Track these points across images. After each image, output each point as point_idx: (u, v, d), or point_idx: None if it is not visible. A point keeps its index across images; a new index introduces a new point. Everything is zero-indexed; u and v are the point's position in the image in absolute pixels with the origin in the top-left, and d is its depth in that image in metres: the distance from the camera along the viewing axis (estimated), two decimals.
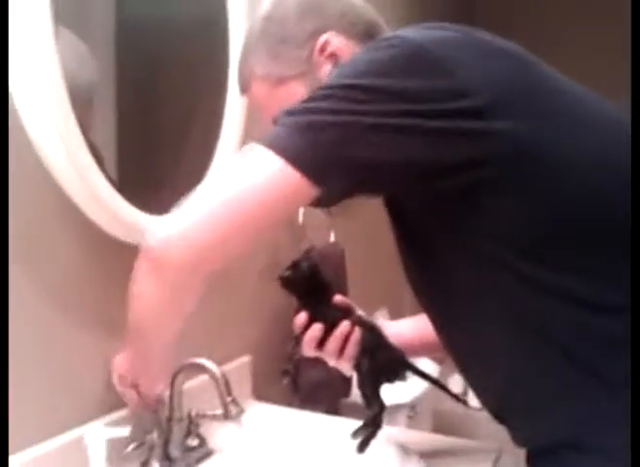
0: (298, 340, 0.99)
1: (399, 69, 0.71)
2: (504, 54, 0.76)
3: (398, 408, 1.66)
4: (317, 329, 0.97)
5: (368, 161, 0.70)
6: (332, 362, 1.00)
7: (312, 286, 0.99)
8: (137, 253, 1.08)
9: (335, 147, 0.69)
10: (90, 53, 1.03)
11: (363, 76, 0.72)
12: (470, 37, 0.77)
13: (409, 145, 0.69)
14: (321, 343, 0.97)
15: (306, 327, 0.97)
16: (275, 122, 0.75)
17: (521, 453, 0.90)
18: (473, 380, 0.89)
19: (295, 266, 0.99)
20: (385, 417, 1.10)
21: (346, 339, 0.97)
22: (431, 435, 1.27)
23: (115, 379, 0.97)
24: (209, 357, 1.05)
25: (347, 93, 0.70)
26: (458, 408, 2.21)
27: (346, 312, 1.00)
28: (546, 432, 0.79)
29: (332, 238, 1.64)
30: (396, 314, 2.02)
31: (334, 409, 1.46)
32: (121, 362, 0.95)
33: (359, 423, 1.02)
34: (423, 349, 1.07)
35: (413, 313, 1.05)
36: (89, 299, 1.04)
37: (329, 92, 0.71)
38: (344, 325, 0.97)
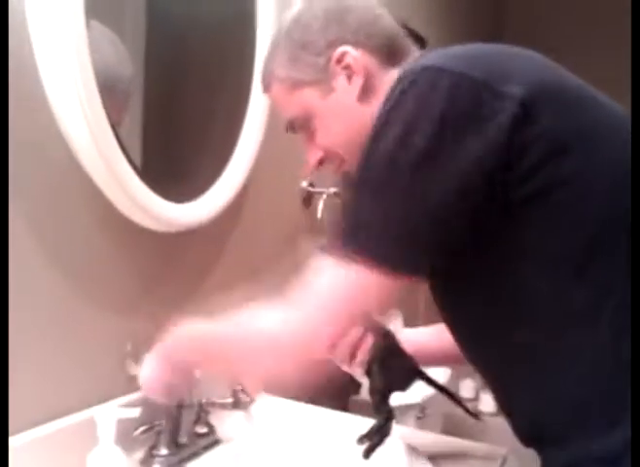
0: None
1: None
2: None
3: (408, 408, 1.66)
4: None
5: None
6: (344, 367, 1.00)
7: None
8: (156, 238, 1.10)
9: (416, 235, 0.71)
10: (120, 44, 1.04)
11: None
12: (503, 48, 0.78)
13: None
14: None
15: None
16: (291, 129, 0.89)
17: (527, 458, 0.89)
18: (507, 402, 0.86)
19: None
20: (395, 417, 1.10)
21: (358, 344, 0.97)
22: (439, 436, 1.26)
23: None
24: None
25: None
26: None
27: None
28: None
29: None
30: (411, 318, 2.02)
31: (342, 405, 1.46)
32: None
33: (366, 420, 1.02)
34: (439, 359, 1.07)
35: (428, 318, 1.05)
36: (108, 281, 1.05)
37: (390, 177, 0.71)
38: (356, 330, 0.97)
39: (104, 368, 1.05)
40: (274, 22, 1.29)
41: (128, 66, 1.06)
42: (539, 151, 0.68)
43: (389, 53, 0.85)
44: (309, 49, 0.85)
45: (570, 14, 2.98)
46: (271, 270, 1.41)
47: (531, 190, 0.69)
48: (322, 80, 0.84)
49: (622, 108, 0.78)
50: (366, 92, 0.83)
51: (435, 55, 0.75)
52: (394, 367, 0.98)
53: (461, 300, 0.81)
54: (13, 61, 0.86)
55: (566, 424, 0.76)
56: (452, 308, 0.84)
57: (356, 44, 0.83)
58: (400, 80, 0.73)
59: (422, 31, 1.99)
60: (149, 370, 0.93)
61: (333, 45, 0.83)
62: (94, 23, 0.93)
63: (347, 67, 0.83)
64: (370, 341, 0.97)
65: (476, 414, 1.10)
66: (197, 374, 1.07)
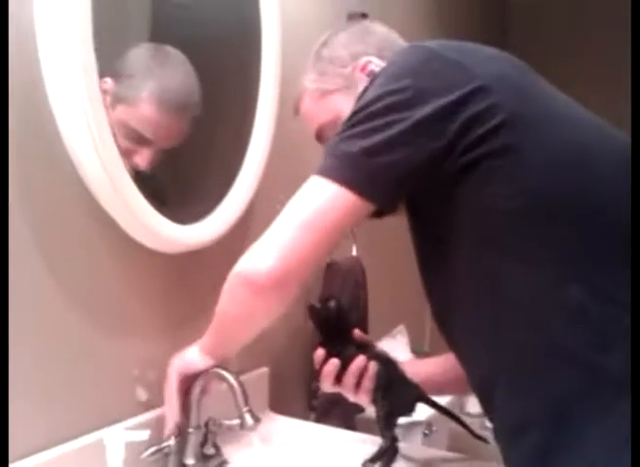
0: (318, 374, 1.03)
1: (416, 72, 0.81)
2: (503, 58, 0.87)
3: (414, 425, 1.65)
4: (332, 364, 1.01)
5: (406, 162, 0.78)
6: (351, 397, 1.03)
7: (335, 325, 1.04)
8: (163, 260, 1.10)
9: (380, 165, 0.78)
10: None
11: (381, 88, 0.81)
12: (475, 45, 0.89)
13: (432, 136, 0.78)
14: (339, 379, 1.01)
15: (325, 362, 1.01)
16: (319, 138, 1.02)
17: None
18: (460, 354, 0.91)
19: (324, 301, 1.05)
20: (401, 434, 1.09)
21: (362, 373, 1.00)
22: (445, 453, 1.26)
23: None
24: (228, 366, 1.06)
25: (376, 109, 0.80)
26: (475, 429, 2.19)
27: (364, 347, 1.03)
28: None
29: (354, 252, 1.65)
30: (416, 331, 2.02)
31: (349, 424, 1.46)
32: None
33: (373, 439, 1.02)
34: (443, 389, 1.09)
35: (433, 330, 1.06)
36: (116, 303, 1.05)
37: (361, 116, 0.80)
38: (359, 360, 1.00)
39: (112, 390, 1.05)
40: (278, 44, 1.30)
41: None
42: (487, 122, 0.76)
43: None
44: (336, 62, 1.00)
45: (572, 21, 2.99)
46: None
47: (473, 156, 0.77)
48: (349, 86, 0.97)
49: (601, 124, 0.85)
50: None
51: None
52: (398, 393, 1.01)
53: (432, 268, 0.88)
54: (22, 81, 0.87)
55: (515, 370, 0.79)
56: (427, 276, 0.90)
57: (377, 55, 0.98)
58: None
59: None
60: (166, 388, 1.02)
61: (355, 57, 0.98)
62: (102, 35, 0.94)
63: (370, 74, 0.94)
64: (373, 368, 1.00)
65: (483, 437, 1.11)
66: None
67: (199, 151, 1.22)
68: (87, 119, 0.91)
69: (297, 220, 0.81)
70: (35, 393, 0.91)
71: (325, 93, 1.00)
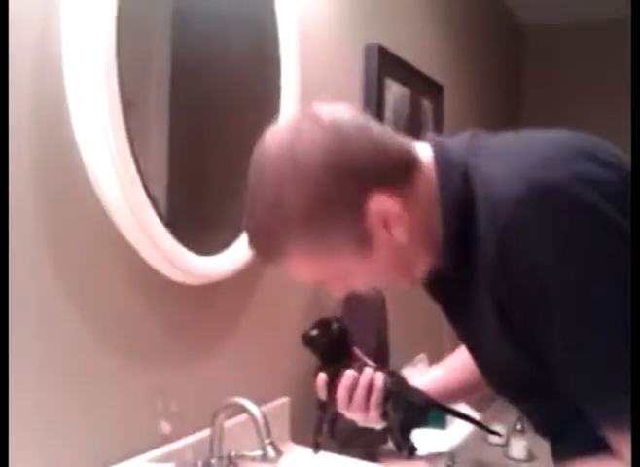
0: (323, 403, 0.99)
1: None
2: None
3: (437, 457, 1.63)
4: (351, 376, 0.96)
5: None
6: (361, 419, 0.99)
7: (338, 348, 0.99)
8: (184, 291, 1.11)
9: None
10: (147, 95, 1.08)
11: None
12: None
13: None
14: (350, 397, 0.97)
15: (329, 387, 0.97)
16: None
17: None
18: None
19: (324, 325, 0.99)
20: (424, 465, 1.09)
21: (370, 386, 0.96)
22: None
23: None
24: (250, 396, 1.06)
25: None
26: (498, 458, 2.15)
27: (364, 364, 0.99)
28: None
29: None
30: (435, 360, 2.00)
31: (372, 454, 1.45)
32: None
33: None
34: (452, 394, 1.07)
35: None
36: (138, 334, 1.06)
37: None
38: (367, 372, 0.97)
39: (137, 422, 1.05)
40: (297, 68, 1.32)
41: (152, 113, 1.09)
42: None
43: (409, 170, 0.77)
44: (333, 217, 0.73)
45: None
46: (297, 320, 1.42)
47: None
48: (359, 241, 0.75)
49: None
50: (406, 226, 0.75)
51: (525, 165, 0.69)
52: (408, 402, 0.98)
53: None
54: (49, 117, 0.89)
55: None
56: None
57: (378, 189, 0.73)
58: (525, 202, 0.66)
59: (438, 74, 2.01)
60: None
61: (358, 202, 0.73)
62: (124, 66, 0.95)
63: (383, 217, 0.74)
64: (380, 379, 0.97)
65: (497, 432, 1.09)
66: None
67: (220, 180, 1.23)
68: (109, 148, 0.92)
69: None
70: (56, 427, 0.92)
71: (324, 257, 0.76)
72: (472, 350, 0.89)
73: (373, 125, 0.77)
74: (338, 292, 0.83)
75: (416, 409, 0.98)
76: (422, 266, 0.81)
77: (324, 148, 0.72)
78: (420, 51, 2.08)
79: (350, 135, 0.74)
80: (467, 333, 0.88)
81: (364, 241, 0.74)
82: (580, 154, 0.70)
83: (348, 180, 0.72)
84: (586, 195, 0.65)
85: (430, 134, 0.83)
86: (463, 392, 1.08)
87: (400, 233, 0.75)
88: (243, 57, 1.27)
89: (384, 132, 0.77)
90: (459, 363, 1.05)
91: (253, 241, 0.78)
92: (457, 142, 0.79)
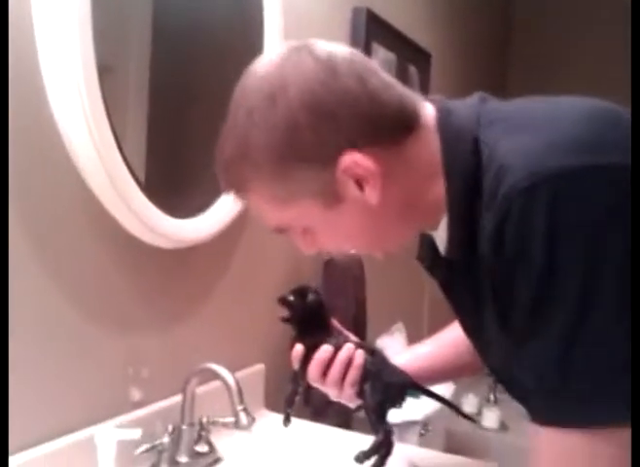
0: (297, 375, 0.96)
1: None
2: None
3: (410, 425, 1.64)
4: (325, 351, 0.93)
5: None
6: (333, 392, 0.95)
7: (314, 319, 0.96)
8: (160, 255, 1.09)
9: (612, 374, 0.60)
10: (125, 59, 1.04)
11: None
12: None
13: None
14: (324, 372, 0.94)
15: (304, 359, 0.94)
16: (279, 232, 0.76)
17: None
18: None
19: (301, 293, 0.96)
20: (397, 433, 1.07)
21: (349, 363, 0.93)
22: (441, 454, 1.25)
23: None
24: (224, 362, 1.04)
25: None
26: (471, 428, 2.18)
27: (345, 339, 0.96)
28: None
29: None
30: (414, 328, 2.01)
31: (345, 422, 1.45)
32: None
33: (370, 438, 1.00)
34: (436, 376, 1.04)
35: (431, 327, 1.04)
36: (112, 299, 1.04)
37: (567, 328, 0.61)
38: (347, 348, 0.93)
39: (106, 387, 1.03)
40: (281, 21, 1.28)
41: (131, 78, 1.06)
42: None
43: (401, 129, 0.70)
44: (302, 161, 0.68)
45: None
46: (275, 287, 1.40)
47: None
48: (324, 192, 0.69)
49: None
50: (383, 190, 0.70)
51: (546, 145, 0.63)
52: (386, 383, 0.95)
53: None
54: (18, 74, 0.85)
55: None
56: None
57: (362, 144, 0.68)
58: (527, 195, 0.60)
59: (426, 42, 1.98)
60: None
61: (333, 152, 0.67)
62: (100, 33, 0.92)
63: (356, 175, 0.68)
64: (360, 357, 0.94)
65: (474, 419, 1.09)
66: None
67: (198, 144, 1.20)
68: (83, 109, 0.89)
69: None
70: (24, 388, 0.90)
71: (286, 201, 0.71)
72: (470, 332, 0.85)
73: (374, 75, 0.69)
74: (304, 248, 0.78)
75: (394, 391, 0.96)
76: (398, 238, 0.77)
77: (310, 81, 0.66)
78: (409, 17, 2.04)
79: (343, 77, 0.67)
80: (466, 315, 0.84)
81: (330, 194, 0.69)
82: (602, 137, 0.63)
83: (327, 126, 0.67)
84: (599, 189, 0.59)
85: (437, 95, 0.76)
86: (448, 374, 1.05)
87: (371, 194, 0.69)
88: (226, 21, 1.23)
89: (384, 85, 0.69)
90: (448, 343, 1.02)
91: (219, 170, 0.74)
92: (466, 109, 0.72)
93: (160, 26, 1.10)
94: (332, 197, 0.70)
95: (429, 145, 0.71)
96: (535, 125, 0.66)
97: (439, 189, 0.71)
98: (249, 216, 1.32)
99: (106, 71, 0.95)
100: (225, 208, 1.20)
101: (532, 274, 0.61)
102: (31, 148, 0.89)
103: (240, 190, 0.73)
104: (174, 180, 1.17)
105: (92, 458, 0.91)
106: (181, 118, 1.18)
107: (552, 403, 0.63)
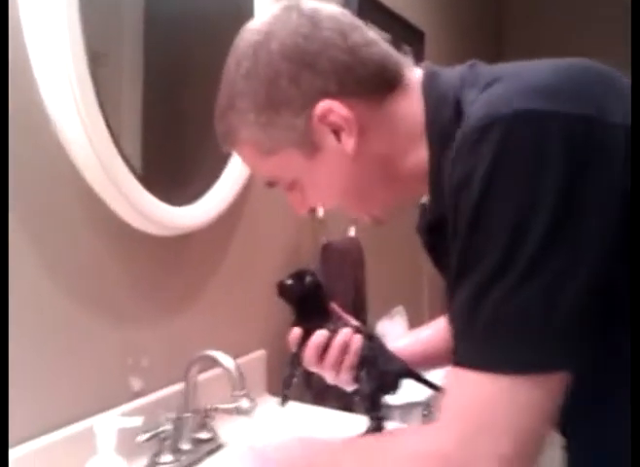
0: (295, 358, 0.95)
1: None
2: None
3: (413, 406, 1.65)
4: (321, 335, 0.92)
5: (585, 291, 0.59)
6: (330, 377, 0.95)
7: (312, 302, 0.95)
8: (155, 243, 1.08)
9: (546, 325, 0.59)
10: (118, 50, 1.04)
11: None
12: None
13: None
14: (320, 357, 0.93)
15: (302, 342, 0.94)
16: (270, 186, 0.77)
17: None
18: None
19: (299, 277, 0.95)
20: (399, 415, 1.07)
21: (345, 348, 0.93)
22: None
23: None
24: (225, 349, 1.04)
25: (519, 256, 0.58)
26: None
27: (344, 322, 0.96)
28: None
29: (352, 233, 1.63)
30: (414, 312, 2.01)
31: (346, 405, 1.45)
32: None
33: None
34: (429, 361, 1.03)
35: (431, 311, 1.04)
36: (108, 288, 1.04)
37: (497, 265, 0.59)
38: (344, 333, 0.93)
39: (106, 377, 1.03)
40: None
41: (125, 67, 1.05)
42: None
43: (381, 86, 0.72)
44: (282, 109, 0.70)
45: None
46: (273, 272, 1.40)
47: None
48: (305, 142, 0.72)
49: None
50: (360, 145, 0.71)
51: (509, 93, 0.63)
52: (383, 369, 0.95)
53: None
54: (10, 69, 0.84)
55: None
56: None
57: (339, 93, 0.69)
58: (481, 136, 0.60)
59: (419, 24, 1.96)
60: None
61: (311, 100, 0.70)
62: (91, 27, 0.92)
63: (332, 124, 0.70)
64: (358, 342, 0.93)
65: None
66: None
67: (194, 133, 1.19)
68: (74, 96, 0.88)
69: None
70: (23, 380, 0.90)
71: (271, 150, 0.73)
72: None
73: (357, 31, 0.72)
74: (295, 204, 0.79)
75: (389, 379, 0.95)
76: (382, 200, 0.77)
77: (292, 33, 0.70)
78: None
79: (325, 30, 0.70)
80: (449, 285, 0.84)
81: (309, 143, 0.72)
82: (562, 86, 0.62)
83: (305, 75, 0.69)
84: (550, 133, 0.58)
85: (427, 63, 0.76)
86: (448, 358, 1.05)
87: (347, 142, 0.71)
88: (218, 8, 1.23)
89: (367, 41, 0.72)
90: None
91: (215, 123, 0.76)
92: (452, 73, 0.72)
93: (154, 13, 1.10)
94: (311, 147, 0.72)
95: (412, 106, 0.72)
96: (505, 78, 0.66)
97: (422, 153, 0.71)
98: (246, 202, 1.32)
99: (99, 58, 0.95)
100: (221, 195, 1.20)
101: (470, 201, 0.60)
102: (22, 137, 0.88)
103: (231, 141, 0.76)
104: (169, 167, 1.16)
105: (94, 450, 0.91)
106: (176, 104, 1.17)
107: (468, 344, 0.63)
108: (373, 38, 0.73)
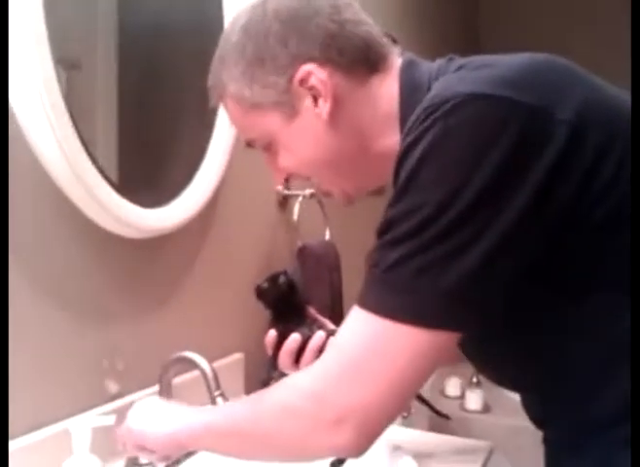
0: (272, 361, 0.96)
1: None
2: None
3: None
4: (294, 340, 0.93)
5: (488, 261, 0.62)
6: (287, 371, 0.96)
7: (287, 303, 0.97)
8: (129, 245, 1.08)
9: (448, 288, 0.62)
10: (91, 57, 1.05)
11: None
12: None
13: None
14: (297, 359, 0.95)
15: (278, 344, 0.95)
16: (249, 146, 0.81)
17: (512, 452, 0.89)
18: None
19: (273, 279, 0.97)
20: None
21: (321, 351, 0.92)
22: (423, 433, 1.26)
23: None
24: (202, 352, 1.04)
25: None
26: (455, 410, 2.19)
27: (320, 325, 0.97)
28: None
29: (327, 236, 1.64)
30: None
31: None
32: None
33: None
34: None
35: None
36: (82, 291, 1.03)
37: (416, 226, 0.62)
38: (319, 336, 0.94)
39: (81, 380, 1.03)
40: None
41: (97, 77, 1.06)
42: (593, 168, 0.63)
43: (364, 63, 0.76)
44: (267, 66, 0.74)
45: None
46: (249, 274, 1.40)
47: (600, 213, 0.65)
48: (284, 103, 0.75)
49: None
50: (336, 115, 0.74)
51: (469, 79, 0.66)
52: None
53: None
54: None
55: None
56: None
57: (322, 60, 0.73)
58: (433, 111, 0.63)
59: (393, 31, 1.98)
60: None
61: (294, 62, 0.73)
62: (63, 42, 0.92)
63: (312, 88, 0.74)
64: (320, 339, 0.93)
65: (445, 415, 1.09)
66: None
67: (165, 134, 1.20)
68: (41, 100, 0.88)
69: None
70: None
71: (253, 107, 0.76)
72: None
73: (350, 9, 0.76)
74: (271, 168, 0.82)
75: None
76: (353, 178, 0.79)
77: (289, 3, 0.75)
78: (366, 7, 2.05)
79: (322, 1, 0.75)
80: None
81: (288, 105, 0.75)
82: (524, 78, 0.65)
83: (293, 38, 0.73)
84: (501, 118, 0.61)
85: (409, 53, 0.80)
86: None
87: (323, 107, 0.74)
88: (188, 18, 1.24)
89: (357, 19, 0.76)
90: None
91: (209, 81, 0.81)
92: (431, 65, 0.76)
93: (127, 22, 1.11)
94: (289, 109, 0.75)
95: (391, 90, 0.75)
96: (471, 66, 0.70)
97: (396, 137, 0.73)
98: (220, 204, 1.32)
99: (73, 68, 0.96)
100: (193, 197, 1.20)
101: (407, 166, 0.64)
102: None
103: (218, 94, 0.80)
104: (142, 171, 1.17)
105: (70, 452, 0.90)
106: (147, 108, 1.18)
107: (368, 288, 0.67)
108: (365, 19, 0.77)
